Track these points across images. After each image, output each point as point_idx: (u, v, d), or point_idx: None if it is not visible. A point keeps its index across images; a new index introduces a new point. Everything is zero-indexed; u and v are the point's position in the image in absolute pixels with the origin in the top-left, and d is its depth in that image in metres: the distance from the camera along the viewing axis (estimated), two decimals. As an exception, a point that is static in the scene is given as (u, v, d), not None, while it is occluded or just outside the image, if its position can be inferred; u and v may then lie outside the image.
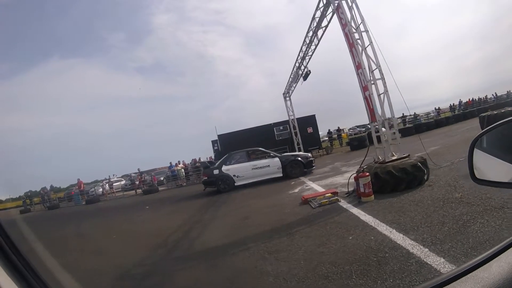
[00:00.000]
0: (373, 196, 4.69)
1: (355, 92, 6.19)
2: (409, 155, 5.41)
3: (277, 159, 9.72)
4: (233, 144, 14.58)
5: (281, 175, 9.58)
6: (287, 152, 13.36)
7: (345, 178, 6.74)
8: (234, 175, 9.60)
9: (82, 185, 19.11)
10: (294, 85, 14.30)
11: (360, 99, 6.12)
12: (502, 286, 0.62)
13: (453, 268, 2.08)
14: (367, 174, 4.79)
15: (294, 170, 9.58)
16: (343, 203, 4.81)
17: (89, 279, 3.48)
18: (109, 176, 22.01)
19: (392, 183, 4.80)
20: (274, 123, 17.29)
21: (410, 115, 28.37)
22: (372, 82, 5.61)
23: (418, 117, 27.79)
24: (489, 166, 1.00)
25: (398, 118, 27.31)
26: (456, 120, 21.14)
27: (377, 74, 5.62)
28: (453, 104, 30.24)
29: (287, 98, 15.98)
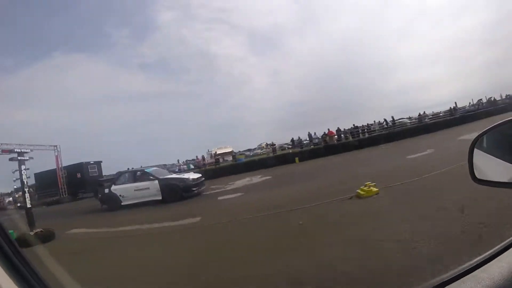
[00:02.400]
0: None
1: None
2: None
3: (156, 181, 9.58)
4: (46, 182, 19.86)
5: (160, 198, 9.37)
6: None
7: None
8: (120, 195, 9.77)
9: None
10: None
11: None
12: (502, 286, 0.62)
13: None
14: None
15: (170, 194, 9.30)
16: None
17: None
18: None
19: None
20: (64, 167, 20.37)
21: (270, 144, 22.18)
22: None
23: (275, 149, 20.52)
24: (489, 166, 1.00)
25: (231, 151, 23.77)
26: (331, 151, 16.81)
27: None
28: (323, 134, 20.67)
29: (56, 150, 20.07)
